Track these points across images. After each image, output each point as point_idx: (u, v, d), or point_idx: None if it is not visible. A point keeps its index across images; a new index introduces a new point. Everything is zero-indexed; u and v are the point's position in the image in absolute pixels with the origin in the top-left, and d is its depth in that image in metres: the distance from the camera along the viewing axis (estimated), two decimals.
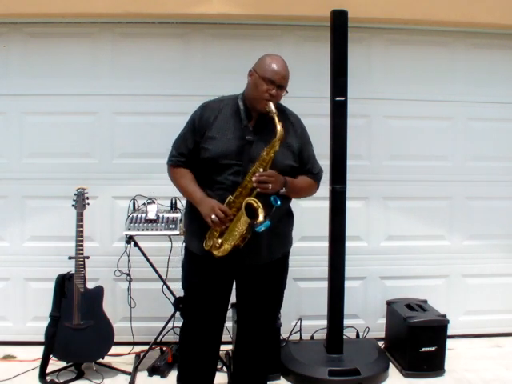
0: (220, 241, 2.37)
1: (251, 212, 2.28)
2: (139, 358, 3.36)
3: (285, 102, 3.74)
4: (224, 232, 2.37)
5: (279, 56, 2.46)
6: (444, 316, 3.37)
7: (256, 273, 2.52)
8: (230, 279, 2.58)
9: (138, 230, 3.16)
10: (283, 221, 2.53)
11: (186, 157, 2.52)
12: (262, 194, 2.29)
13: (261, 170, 2.31)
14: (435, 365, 3.31)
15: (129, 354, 3.47)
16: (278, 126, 2.30)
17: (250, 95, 2.44)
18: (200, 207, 2.40)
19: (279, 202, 2.28)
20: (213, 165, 2.42)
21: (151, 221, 3.18)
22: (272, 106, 2.34)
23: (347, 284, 3.38)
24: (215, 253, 2.40)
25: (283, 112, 2.51)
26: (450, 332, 3.38)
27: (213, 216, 2.31)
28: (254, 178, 2.28)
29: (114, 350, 3.27)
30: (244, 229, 2.31)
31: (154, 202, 3.28)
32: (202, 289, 2.53)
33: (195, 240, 2.50)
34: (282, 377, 3.27)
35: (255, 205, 2.27)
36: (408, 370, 3.31)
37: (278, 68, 2.38)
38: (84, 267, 3.16)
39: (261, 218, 2.25)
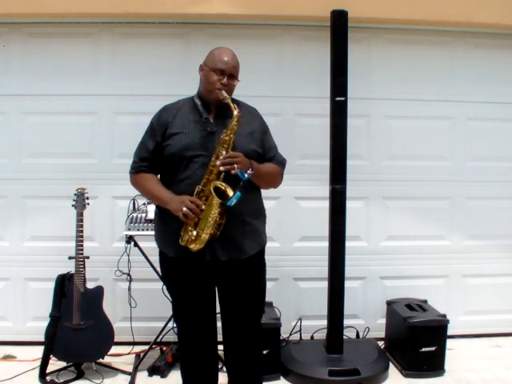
0: (195, 232, 2.31)
1: (221, 195, 2.27)
2: (139, 358, 3.36)
3: (285, 101, 3.74)
4: (198, 223, 2.31)
5: (227, 48, 2.51)
6: (444, 316, 3.36)
7: (233, 272, 2.46)
8: (210, 281, 2.51)
9: (138, 229, 3.17)
10: (253, 217, 2.48)
11: (148, 160, 2.49)
12: (229, 178, 2.28)
13: (224, 152, 2.31)
14: (435, 365, 3.31)
15: (129, 353, 3.48)
16: (234, 109, 2.33)
17: (203, 89, 2.49)
18: (169, 205, 2.34)
19: (246, 175, 2.28)
20: (179, 160, 2.39)
21: (151, 221, 3.17)
22: (225, 93, 2.37)
23: (347, 284, 3.38)
24: (192, 246, 2.32)
25: (241, 105, 2.51)
26: (449, 332, 3.38)
27: (184, 209, 2.25)
28: (218, 162, 2.28)
29: (113, 349, 3.28)
30: (217, 213, 2.28)
31: None
32: (185, 291, 2.50)
33: (170, 242, 2.43)
34: (281, 377, 3.27)
35: (222, 188, 2.27)
36: (408, 369, 3.31)
37: (226, 58, 2.44)
38: (84, 267, 3.16)
39: (230, 194, 2.25)
